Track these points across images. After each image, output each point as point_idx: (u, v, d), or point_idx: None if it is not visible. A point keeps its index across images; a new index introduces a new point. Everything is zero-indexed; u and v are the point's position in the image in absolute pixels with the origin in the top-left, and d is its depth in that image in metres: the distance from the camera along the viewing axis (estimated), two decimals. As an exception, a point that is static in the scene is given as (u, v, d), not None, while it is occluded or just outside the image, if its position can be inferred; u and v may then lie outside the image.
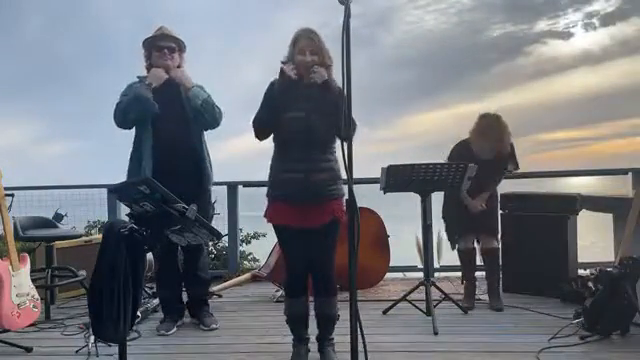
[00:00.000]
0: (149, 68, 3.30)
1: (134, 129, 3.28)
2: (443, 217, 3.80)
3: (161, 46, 3.25)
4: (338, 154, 2.54)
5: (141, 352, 2.90)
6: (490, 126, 3.54)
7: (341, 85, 2.04)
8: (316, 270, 2.63)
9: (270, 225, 2.69)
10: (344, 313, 2.23)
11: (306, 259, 2.61)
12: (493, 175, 3.65)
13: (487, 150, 3.55)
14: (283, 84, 2.56)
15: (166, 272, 3.39)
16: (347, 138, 2.04)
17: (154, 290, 3.85)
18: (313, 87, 2.52)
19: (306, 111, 2.51)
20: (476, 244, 3.74)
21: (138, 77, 3.31)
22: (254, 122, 2.62)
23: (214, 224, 3.45)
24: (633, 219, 2.99)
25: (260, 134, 2.62)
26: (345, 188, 2.45)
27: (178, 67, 3.30)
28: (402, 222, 5.51)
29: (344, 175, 2.21)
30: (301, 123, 2.50)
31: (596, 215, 4.02)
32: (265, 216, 2.68)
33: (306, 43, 2.55)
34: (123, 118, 3.22)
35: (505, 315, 3.48)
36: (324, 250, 2.60)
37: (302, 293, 2.65)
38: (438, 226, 4.18)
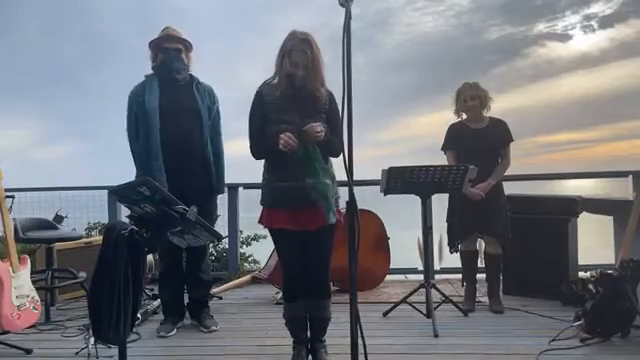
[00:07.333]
0: (155, 69, 3.29)
1: (140, 132, 3.25)
2: (447, 220, 3.75)
3: (166, 48, 3.25)
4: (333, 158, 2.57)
5: (141, 354, 2.90)
6: (464, 88, 3.64)
7: (341, 85, 2.02)
8: (311, 272, 2.61)
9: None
10: (344, 315, 2.23)
11: (303, 262, 2.60)
12: (494, 145, 3.59)
13: (472, 110, 3.60)
14: (276, 96, 2.54)
15: (170, 272, 3.37)
16: (340, 150, 2.06)
17: (154, 292, 3.85)
18: (306, 99, 2.52)
19: (299, 123, 2.49)
20: (478, 246, 3.74)
21: (145, 76, 3.31)
22: (252, 152, 2.63)
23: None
24: (634, 221, 2.99)
25: (258, 158, 2.66)
26: (340, 190, 2.46)
27: (187, 67, 3.32)
28: (402, 224, 5.50)
29: (339, 177, 2.20)
30: (295, 135, 2.48)
31: (596, 218, 4.02)
32: (260, 222, 2.67)
33: (300, 57, 2.45)
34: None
35: (505, 317, 3.48)
36: (321, 252, 2.60)
37: (301, 296, 2.64)
38: (439, 228, 4.17)
